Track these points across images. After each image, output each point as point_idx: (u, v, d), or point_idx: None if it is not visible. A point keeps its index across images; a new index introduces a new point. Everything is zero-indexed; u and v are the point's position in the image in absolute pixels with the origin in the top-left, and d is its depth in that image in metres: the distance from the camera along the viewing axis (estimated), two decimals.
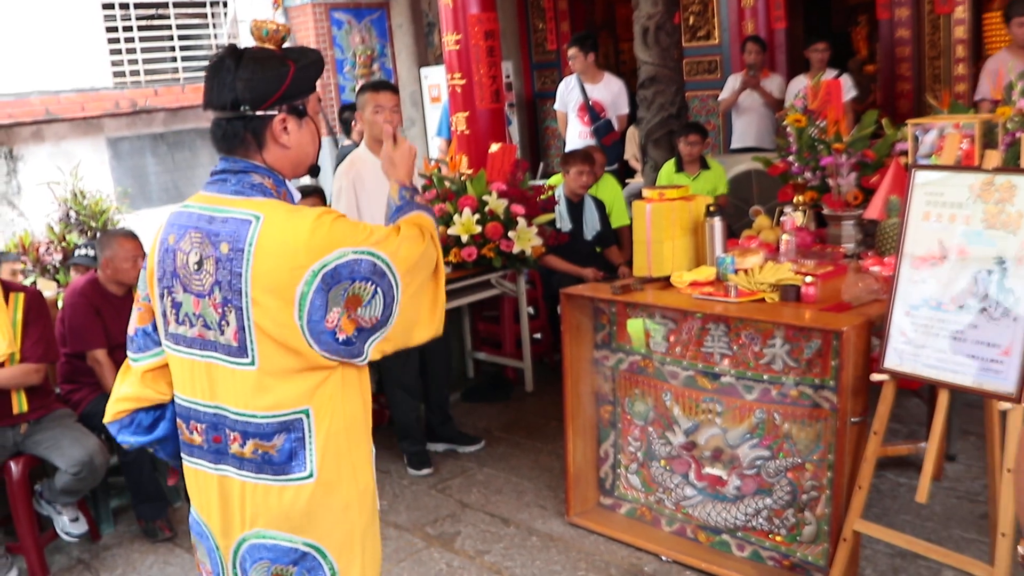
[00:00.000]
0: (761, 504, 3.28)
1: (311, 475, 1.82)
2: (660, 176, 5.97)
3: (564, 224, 5.40)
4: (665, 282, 3.60)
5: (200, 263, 1.81)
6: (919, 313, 2.84)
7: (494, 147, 5.42)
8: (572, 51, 6.83)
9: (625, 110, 6.97)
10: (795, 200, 4.23)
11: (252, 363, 1.79)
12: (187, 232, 1.84)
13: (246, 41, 8.27)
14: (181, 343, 1.87)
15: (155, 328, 1.94)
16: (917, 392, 4.27)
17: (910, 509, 3.58)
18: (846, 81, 6.37)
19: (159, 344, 1.94)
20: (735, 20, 8.20)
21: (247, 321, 1.77)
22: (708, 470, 3.41)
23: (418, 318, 1.91)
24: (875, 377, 2.96)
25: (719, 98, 7.62)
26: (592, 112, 6.81)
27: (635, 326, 3.55)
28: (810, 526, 3.16)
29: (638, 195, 3.93)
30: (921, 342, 2.83)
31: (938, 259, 2.82)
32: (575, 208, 5.46)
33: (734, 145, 7.46)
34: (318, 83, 1.97)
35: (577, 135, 6.82)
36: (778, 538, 3.25)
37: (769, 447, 3.23)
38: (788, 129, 4.36)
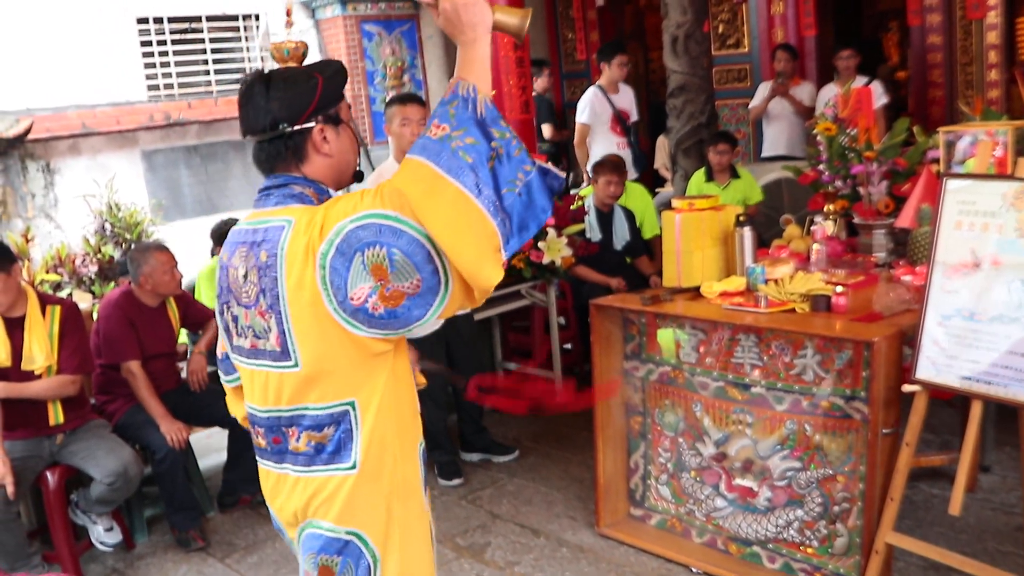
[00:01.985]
0: (792, 516, 3.26)
1: (354, 466, 1.87)
2: (690, 186, 5.96)
3: (594, 234, 5.40)
4: (695, 292, 3.59)
5: (246, 275, 1.88)
6: (952, 323, 2.81)
7: None
8: (626, 58, 6.82)
9: (636, 116, 7.02)
10: (826, 209, 4.20)
11: (296, 365, 1.85)
12: (236, 248, 1.93)
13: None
14: (241, 354, 1.97)
15: None
16: (951, 402, 4.22)
17: (944, 521, 3.53)
18: (876, 88, 6.33)
19: None
20: (765, 28, 8.17)
21: (286, 324, 1.82)
22: (739, 481, 3.40)
23: (470, 255, 1.72)
24: (907, 388, 2.93)
25: (749, 106, 7.60)
26: (623, 122, 6.81)
27: (666, 335, 3.54)
28: (842, 538, 3.14)
29: (668, 205, 3.93)
30: (954, 352, 2.80)
31: (971, 268, 2.79)
32: (605, 218, 5.46)
33: (765, 153, 7.42)
34: (348, 95, 1.98)
35: (615, 146, 6.77)
36: (809, 550, 3.23)
37: (800, 458, 3.21)
38: (818, 138, 4.34)
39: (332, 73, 1.92)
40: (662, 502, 3.70)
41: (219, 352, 2.15)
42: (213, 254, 5.01)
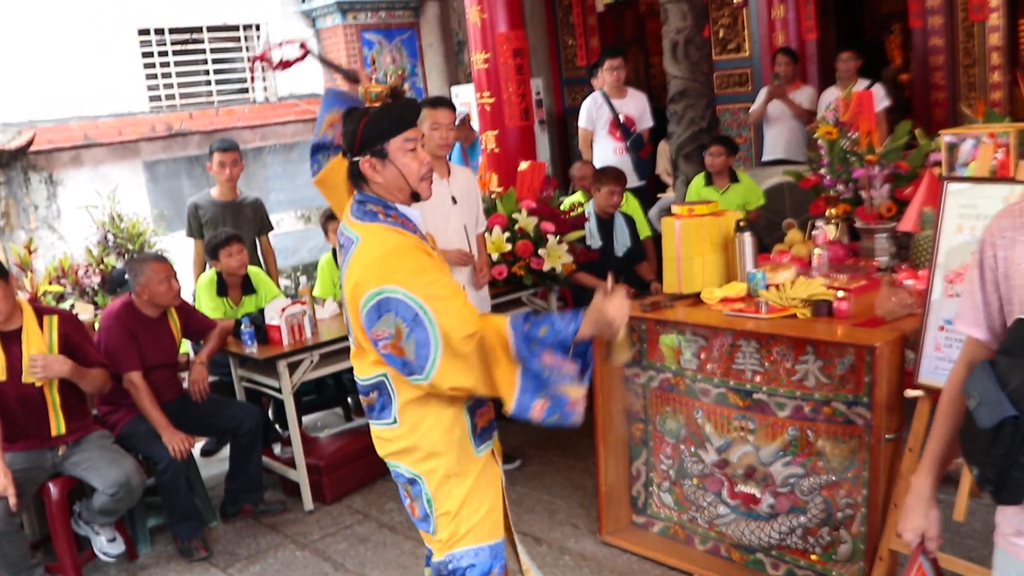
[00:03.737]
0: (795, 522, 3.24)
1: (395, 422, 2.40)
2: (689, 191, 5.94)
3: (594, 241, 5.39)
4: (695, 298, 3.58)
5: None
6: (954, 327, 2.79)
7: (523, 165, 5.43)
8: (616, 62, 6.79)
9: (650, 123, 6.96)
10: (827, 213, 4.19)
11: (353, 343, 2.44)
12: (339, 243, 2.44)
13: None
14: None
15: None
16: None
17: (949, 527, 3.49)
18: (878, 91, 6.31)
19: None
20: (765, 32, 8.15)
21: (347, 317, 2.40)
22: (741, 488, 3.38)
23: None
24: (910, 393, 2.91)
25: (750, 110, 7.58)
26: (624, 128, 6.80)
27: (669, 339, 3.53)
28: (845, 544, 3.12)
29: (669, 210, 3.92)
30: (956, 356, 2.78)
31: None
32: (605, 225, 5.45)
33: (765, 157, 7.40)
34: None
35: (612, 151, 6.79)
36: (813, 557, 3.21)
37: (802, 464, 3.19)
38: (820, 141, 4.32)
39: (380, 115, 2.34)
40: (664, 509, 3.68)
41: None
42: (209, 266, 5.01)
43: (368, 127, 2.32)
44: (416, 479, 2.42)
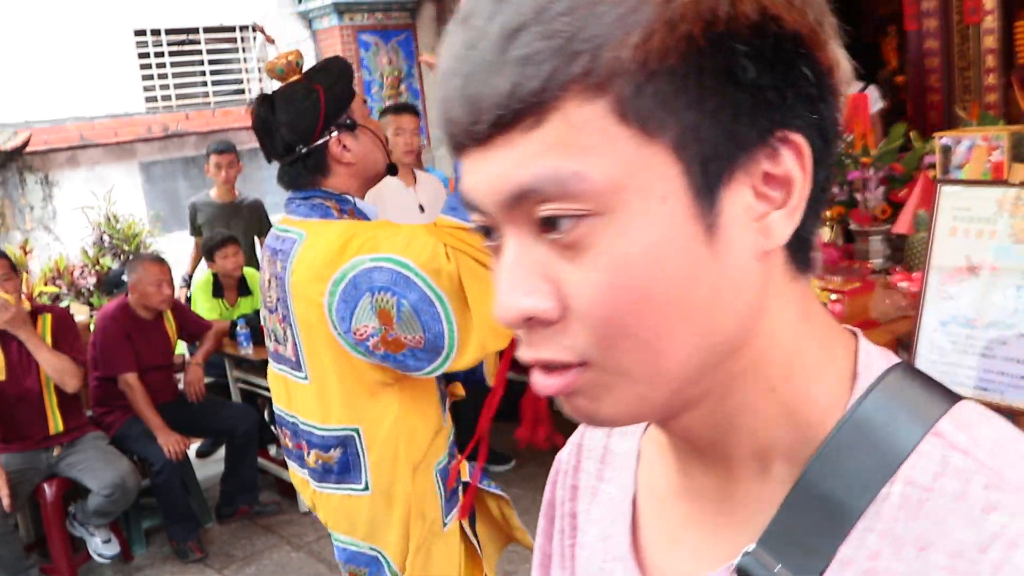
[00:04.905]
0: None
1: (367, 488, 1.88)
2: None
3: None
4: None
5: (270, 281, 1.92)
6: (947, 330, 2.80)
7: None
8: None
9: None
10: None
11: (306, 378, 1.88)
12: (265, 253, 1.97)
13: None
14: (271, 357, 2.02)
15: None
16: None
17: None
18: (873, 93, 6.32)
19: None
20: None
21: (297, 337, 1.85)
22: None
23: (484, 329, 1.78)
24: None
25: None
26: None
27: None
28: None
29: None
30: (950, 359, 2.79)
31: (966, 274, 2.79)
32: None
33: None
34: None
35: None
36: None
37: None
38: None
39: (333, 81, 1.86)
40: None
41: None
42: (206, 267, 5.02)
43: (331, 94, 1.84)
44: (379, 556, 1.94)
